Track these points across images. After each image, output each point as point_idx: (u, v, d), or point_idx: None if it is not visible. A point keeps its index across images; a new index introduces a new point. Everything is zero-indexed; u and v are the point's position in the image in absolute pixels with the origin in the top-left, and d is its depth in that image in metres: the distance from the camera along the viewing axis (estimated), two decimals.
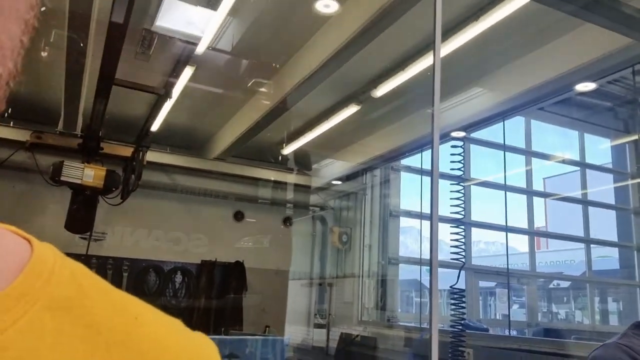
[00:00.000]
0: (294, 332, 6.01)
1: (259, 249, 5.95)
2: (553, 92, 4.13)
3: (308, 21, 3.61)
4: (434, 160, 1.94)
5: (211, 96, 4.71)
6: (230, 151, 5.22)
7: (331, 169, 6.24)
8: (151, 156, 4.76)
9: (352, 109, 4.49)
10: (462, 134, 6.08)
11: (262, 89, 4.48)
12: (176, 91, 4.06)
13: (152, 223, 5.38)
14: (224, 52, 4.17)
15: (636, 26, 2.97)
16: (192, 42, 3.45)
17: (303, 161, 5.93)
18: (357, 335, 5.46)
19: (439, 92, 2.01)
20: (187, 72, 3.88)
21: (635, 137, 6.70)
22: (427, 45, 3.64)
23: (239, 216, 5.97)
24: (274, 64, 4.25)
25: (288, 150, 5.50)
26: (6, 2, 0.28)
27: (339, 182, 6.33)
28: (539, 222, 8.53)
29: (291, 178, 5.93)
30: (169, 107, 4.30)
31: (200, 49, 3.55)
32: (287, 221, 6.23)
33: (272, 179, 5.84)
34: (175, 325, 0.40)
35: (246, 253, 5.80)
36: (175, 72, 3.82)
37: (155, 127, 4.66)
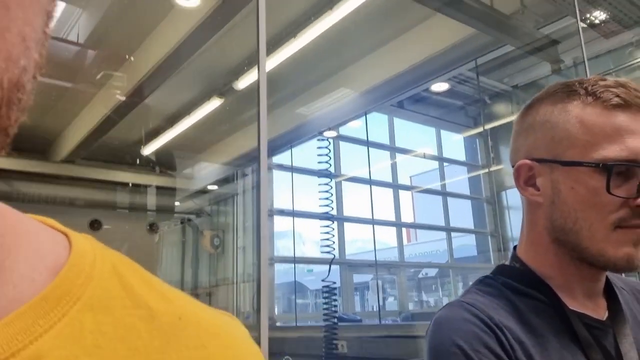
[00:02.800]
0: None
1: None
2: (408, 85, 4.33)
3: (157, 6, 3.38)
4: (261, 174, 1.83)
5: (54, 90, 4.20)
6: (79, 152, 4.71)
7: (201, 172, 5.96)
8: None
9: (214, 103, 4.29)
10: (333, 133, 6.19)
11: (113, 82, 4.11)
12: None
13: None
14: (68, 42, 3.77)
15: (476, 16, 3.19)
16: None
17: (167, 162, 5.57)
18: None
19: (265, 103, 1.90)
20: None
21: (481, 130, 7.38)
22: (288, 34, 3.61)
23: (95, 225, 5.42)
24: (126, 55, 3.93)
25: (149, 150, 5.11)
26: None
27: (210, 186, 6.06)
28: (408, 217, 9.03)
29: (154, 180, 5.53)
30: None
31: None
32: (152, 227, 5.81)
33: (132, 182, 5.40)
34: (224, 326, 0.38)
35: None
36: None
37: None
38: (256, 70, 3.89)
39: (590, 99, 0.73)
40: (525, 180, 0.78)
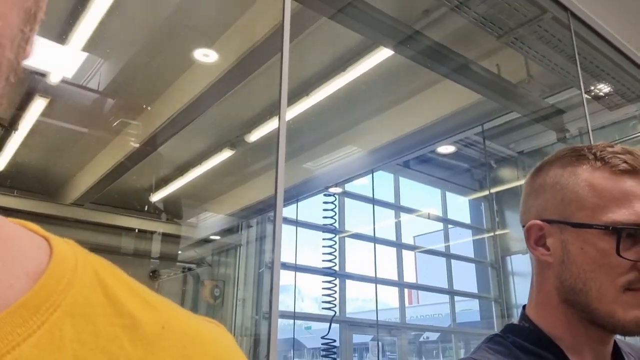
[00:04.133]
0: None
1: None
2: (415, 145, 4.42)
3: (179, 60, 3.53)
4: (277, 215, 1.87)
5: (69, 134, 4.31)
6: (89, 196, 4.76)
7: (207, 221, 5.98)
8: None
9: (225, 154, 4.38)
10: (339, 189, 6.25)
11: (129, 130, 4.22)
12: (25, 126, 3.66)
13: None
14: (87, 89, 3.91)
15: (484, 83, 3.31)
16: (40, 73, 3.18)
17: (173, 210, 5.60)
18: None
19: (284, 153, 1.96)
20: (39, 104, 3.53)
21: (486, 193, 7.41)
22: (301, 92, 3.73)
23: None
24: (144, 105, 4.06)
25: (157, 197, 5.17)
26: None
27: (214, 237, 6.06)
28: (411, 277, 8.91)
29: (160, 227, 5.55)
30: (17, 143, 3.85)
31: (54, 80, 3.28)
32: (154, 275, 5.76)
33: (138, 227, 5.42)
34: (208, 335, 0.37)
35: None
36: (22, 104, 3.46)
37: None
38: (268, 124, 4.02)
39: (599, 164, 0.75)
40: (536, 240, 0.80)
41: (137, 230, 5.45)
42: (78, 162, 4.68)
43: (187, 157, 4.61)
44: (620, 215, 0.71)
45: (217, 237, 5.94)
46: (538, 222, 0.79)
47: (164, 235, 5.60)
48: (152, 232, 5.53)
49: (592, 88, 3.60)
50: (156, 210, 5.36)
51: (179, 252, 5.97)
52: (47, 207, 4.84)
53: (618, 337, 0.81)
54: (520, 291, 6.87)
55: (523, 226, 0.83)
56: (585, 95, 3.04)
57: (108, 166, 4.37)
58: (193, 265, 6.06)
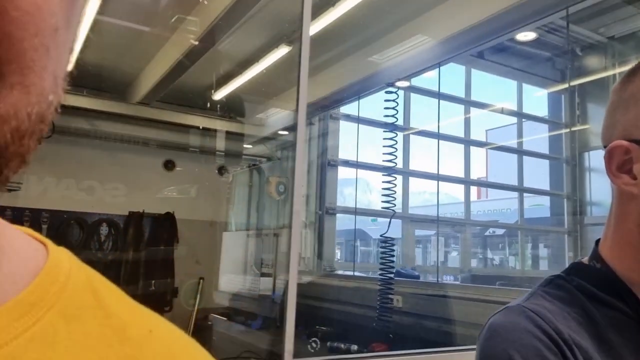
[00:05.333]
0: (237, 282, 5.90)
1: (191, 199, 5.71)
2: (492, 33, 4.02)
3: None
4: (298, 136, 1.77)
5: (129, 33, 4.31)
6: (154, 95, 4.86)
7: (270, 119, 6.00)
8: (65, 99, 4.35)
9: (282, 50, 4.23)
10: (405, 83, 5.97)
11: (186, 26, 4.14)
12: (84, 24, 3.66)
13: (73, 172, 5.00)
14: None
15: None
16: None
17: (236, 107, 5.64)
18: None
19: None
20: (94, 1, 3.48)
21: (567, 85, 6.80)
22: None
23: (169, 165, 5.67)
24: None
25: (219, 95, 5.19)
26: (61, 37, 0.28)
27: (279, 132, 6.10)
28: (481, 173, 8.71)
29: (224, 125, 5.64)
30: (79, 42, 3.90)
31: None
32: (222, 171, 5.99)
33: (203, 126, 5.54)
34: (191, 342, 0.39)
35: (177, 204, 5.55)
36: None
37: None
38: (324, 17, 3.77)
39: None
40: (620, 165, 0.65)
41: (201, 128, 5.58)
42: (140, 62, 4.72)
43: (245, 54, 4.51)
44: None
45: (282, 133, 5.97)
46: (625, 142, 0.64)
47: (228, 133, 5.71)
48: (216, 130, 5.65)
49: None
50: (219, 107, 5.42)
51: (245, 146, 6.11)
52: (115, 106, 5.01)
53: None
54: (596, 188, 6.49)
55: (605, 146, 0.67)
56: None
57: (169, 64, 4.37)
58: (260, 161, 6.20)
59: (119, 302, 0.36)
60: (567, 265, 0.74)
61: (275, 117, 5.94)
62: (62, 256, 0.35)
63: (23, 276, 0.32)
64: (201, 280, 5.50)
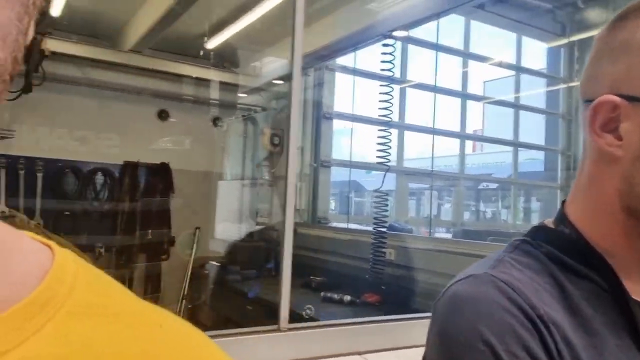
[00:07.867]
0: (232, 231, 5.97)
1: (186, 150, 5.69)
2: None
3: None
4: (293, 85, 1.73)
5: None
6: (146, 42, 4.73)
7: (265, 69, 5.89)
8: (55, 45, 4.23)
9: None
10: (403, 33, 5.82)
11: None
12: None
13: (66, 121, 4.94)
14: None
15: None
16: None
17: (230, 57, 5.52)
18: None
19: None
20: None
21: (567, 40, 6.68)
22: None
23: (163, 115, 5.61)
24: None
25: (212, 44, 5.06)
26: None
27: (273, 81, 6.01)
28: (477, 127, 8.68)
29: (218, 75, 5.54)
30: None
31: None
32: (216, 121, 5.94)
33: (197, 75, 5.43)
34: (201, 335, 0.39)
35: (172, 154, 5.54)
36: None
37: (55, 10, 4.08)
38: None
39: None
40: (604, 123, 0.58)
41: (195, 78, 5.48)
42: (131, 6, 4.56)
43: (238, 1, 4.36)
44: None
45: (277, 82, 5.87)
46: (612, 97, 0.56)
47: (222, 83, 5.61)
48: (209, 80, 5.55)
49: None
50: (213, 56, 5.29)
51: (239, 97, 6.03)
52: (106, 53, 4.88)
53: None
54: None
55: (586, 100, 0.60)
56: None
57: (161, 10, 4.23)
58: (253, 111, 6.13)
59: (126, 300, 0.37)
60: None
61: (271, 66, 5.84)
62: (68, 257, 0.36)
63: (32, 277, 0.33)
64: (197, 230, 5.57)
